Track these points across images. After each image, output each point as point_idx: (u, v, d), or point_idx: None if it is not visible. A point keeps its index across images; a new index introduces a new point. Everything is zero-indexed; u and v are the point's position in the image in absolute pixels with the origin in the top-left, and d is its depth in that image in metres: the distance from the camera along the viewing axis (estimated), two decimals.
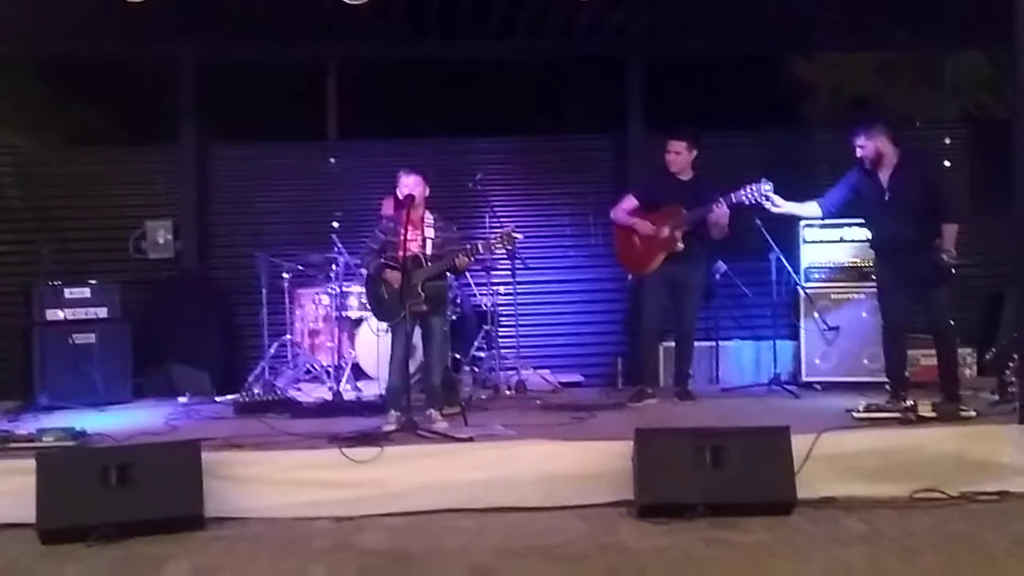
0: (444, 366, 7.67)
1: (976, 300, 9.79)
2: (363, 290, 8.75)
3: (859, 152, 7.28)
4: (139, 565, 5.08)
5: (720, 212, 7.68)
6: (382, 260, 7.19)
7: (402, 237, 7.01)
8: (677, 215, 7.79)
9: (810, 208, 7.65)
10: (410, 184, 7.24)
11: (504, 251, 7.73)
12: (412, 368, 7.47)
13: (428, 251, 7.25)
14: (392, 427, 6.74)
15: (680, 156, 7.93)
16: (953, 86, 11.52)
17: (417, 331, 7.26)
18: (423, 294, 7.05)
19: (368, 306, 7.78)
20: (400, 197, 7.30)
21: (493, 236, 7.41)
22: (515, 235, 7.29)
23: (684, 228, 7.77)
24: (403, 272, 6.97)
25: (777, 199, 7.57)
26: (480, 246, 7.23)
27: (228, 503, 5.83)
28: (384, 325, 8.33)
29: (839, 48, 11.66)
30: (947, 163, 10.18)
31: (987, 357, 8.73)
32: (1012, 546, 5.17)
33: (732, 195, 7.60)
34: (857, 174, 7.40)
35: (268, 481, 5.96)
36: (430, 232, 7.31)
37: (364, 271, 7.57)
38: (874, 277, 7.86)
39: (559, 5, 8.93)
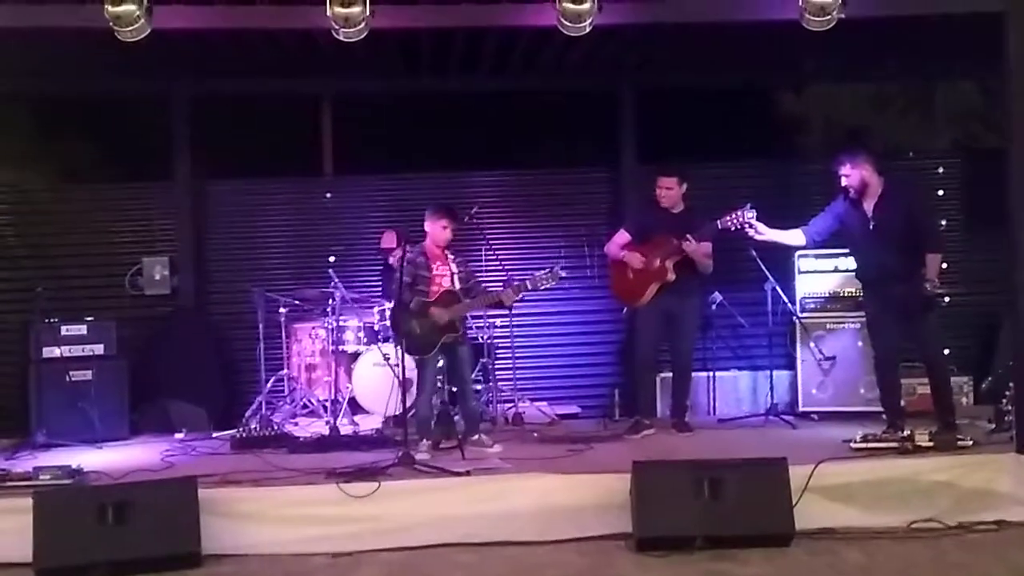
0: (473, 391, 7.91)
1: (972, 329, 9.81)
2: (360, 324, 8.82)
3: (844, 181, 7.30)
4: None
5: (693, 247, 7.71)
6: (422, 299, 7.35)
7: (433, 272, 7.49)
8: (667, 245, 7.82)
9: (794, 236, 7.66)
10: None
11: (548, 288, 7.80)
12: (409, 401, 7.50)
13: (457, 286, 7.51)
14: (426, 455, 6.94)
15: (672, 191, 7.98)
16: (944, 116, 11.58)
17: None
18: (459, 328, 7.41)
19: (393, 337, 7.90)
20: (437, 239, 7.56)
21: (540, 273, 7.51)
22: (561, 273, 7.46)
23: (675, 259, 7.80)
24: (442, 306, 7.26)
25: (760, 226, 7.59)
26: (528, 283, 7.40)
27: (225, 540, 5.82)
28: (380, 360, 8.42)
29: (829, 80, 11.72)
30: (940, 192, 10.24)
31: (983, 386, 8.76)
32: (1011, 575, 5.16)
33: (717, 222, 7.63)
34: (842, 203, 7.43)
35: (265, 517, 5.95)
36: (454, 267, 7.57)
37: (389, 302, 7.70)
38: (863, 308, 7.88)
39: (551, 40, 8.98)
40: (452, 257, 7.70)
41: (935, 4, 7.08)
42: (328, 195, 10.49)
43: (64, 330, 8.67)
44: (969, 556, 5.50)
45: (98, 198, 10.35)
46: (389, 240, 9.03)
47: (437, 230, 7.55)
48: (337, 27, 6.38)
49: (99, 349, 8.76)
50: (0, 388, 9.34)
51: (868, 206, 7.27)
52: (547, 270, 7.50)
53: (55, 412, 8.37)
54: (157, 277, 9.96)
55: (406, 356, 7.23)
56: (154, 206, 10.25)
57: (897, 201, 7.21)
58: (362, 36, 6.46)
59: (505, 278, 7.69)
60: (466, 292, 7.57)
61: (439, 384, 7.81)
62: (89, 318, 8.87)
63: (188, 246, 10.05)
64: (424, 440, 7.30)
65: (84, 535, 5.50)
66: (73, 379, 8.55)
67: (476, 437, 7.48)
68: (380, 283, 9.59)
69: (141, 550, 5.51)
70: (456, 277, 7.61)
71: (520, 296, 7.67)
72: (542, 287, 7.61)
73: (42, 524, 5.49)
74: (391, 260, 8.83)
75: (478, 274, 8.00)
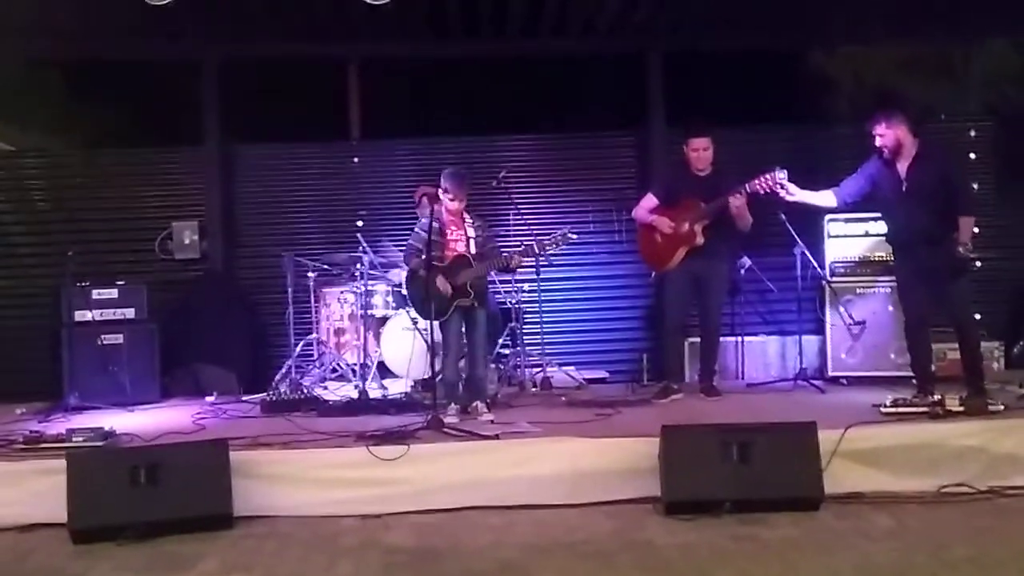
0: (488, 358, 7.85)
1: (1003, 294, 9.76)
2: (388, 289, 8.84)
3: (878, 141, 7.22)
4: (169, 563, 5.12)
5: (738, 203, 7.66)
6: (432, 261, 7.29)
7: (447, 237, 7.44)
8: (696, 209, 7.78)
9: (825, 197, 7.60)
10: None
11: (558, 250, 7.79)
12: (438, 366, 7.52)
13: (472, 250, 7.48)
14: (454, 419, 6.95)
15: (707, 152, 7.91)
16: (976, 79, 11.43)
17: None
18: (471, 292, 7.34)
19: (410, 303, 7.93)
20: (447, 204, 7.49)
21: (548, 237, 7.49)
22: (571, 236, 7.46)
23: (703, 222, 7.76)
24: (445, 272, 7.18)
25: (791, 187, 7.52)
26: (536, 246, 7.38)
27: (256, 502, 5.86)
28: (409, 324, 8.44)
29: (860, 42, 11.58)
30: (972, 156, 10.13)
31: (1015, 350, 8.71)
32: None
33: (747, 184, 7.58)
34: (875, 164, 7.35)
35: (295, 480, 5.99)
36: (471, 232, 7.50)
37: (407, 268, 7.69)
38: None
39: (580, 3, 8.93)
40: (471, 221, 7.65)
41: None
42: (356, 159, 10.51)
43: (95, 294, 8.77)
44: (999, 521, 5.48)
45: (128, 163, 10.40)
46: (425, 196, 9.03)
47: (443, 196, 7.52)
48: None
49: (130, 313, 8.85)
50: (32, 352, 9.42)
51: (901, 167, 7.19)
52: (557, 235, 7.48)
53: (87, 375, 8.47)
54: (187, 241, 10.02)
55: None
56: (183, 170, 10.30)
57: (931, 163, 7.13)
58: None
59: (532, 242, 7.65)
60: (481, 256, 7.54)
61: (464, 348, 7.82)
62: (120, 282, 8.96)
63: (217, 211, 10.11)
64: (452, 404, 7.32)
65: (117, 496, 5.55)
66: (104, 343, 8.66)
67: (474, 405, 7.41)
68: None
69: (174, 511, 5.56)
70: (473, 241, 7.57)
71: (527, 259, 7.64)
72: (550, 251, 7.59)
73: (76, 485, 5.55)
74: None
75: (506, 238, 7.95)
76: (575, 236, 7.61)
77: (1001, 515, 5.58)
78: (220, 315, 9.54)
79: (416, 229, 7.55)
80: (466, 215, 7.63)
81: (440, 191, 7.50)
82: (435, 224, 7.39)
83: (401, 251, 8.22)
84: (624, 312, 10.36)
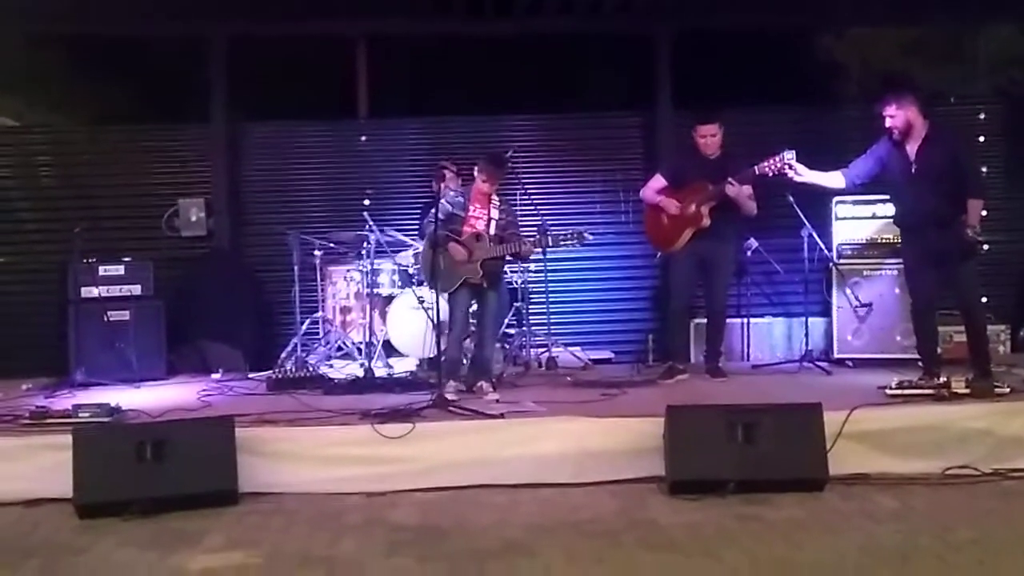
0: (495, 340, 7.88)
1: (1010, 277, 9.75)
2: (395, 267, 8.85)
3: (888, 122, 7.16)
4: (175, 539, 5.12)
5: (736, 190, 7.65)
6: (447, 233, 7.31)
7: (469, 213, 7.51)
8: (703, 191, 7.76)
9: (834, 178, 7.54)
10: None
11: (569, 247, 7.80)
12: (443, 344, 7.53)
13: (492, 231, 7.53)
14: (454, 396, 6.93)
15: (715, 138, 7.90)
16: (985, 62, 11.39)
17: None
18: (481, 270, 7.36)
19: (420, 273, 7.99)
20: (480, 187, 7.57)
21: (563, 232, 7.51)
22: (587, 236, 7.51)
23: (710, 204, 7.75)
24: (464, 245, 7.27)
25: (800, 168, 7.47)
26: (550, 239, 7.40)
27: (261, 478, 5.88)
28: (415, 303, 8.45)
29: (868, 23, 11.55)
30: (981, 139, 10.09)
31: (1021, 334, 8.70)
32: None
33: (756, 167, 7.56)
34: (885, 145, 7.29)
35: (301, 457, 6.00)
36: (495, 213, 7.52)
37: (424, 237, 7.72)
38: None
39: None
40: (498, 203, 7.69)
41: None
42: (363, 138, 10.50)
43: (102, 270, 8.79)
44: (1004, 503, 5.48)
45: (135, 140, 10.39)
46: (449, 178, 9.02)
47: (478, 181, 7.56)
48: None
49: (136, 290, 8.87)
50: (39, 327, 9.46)
51: (911, 149, 7.15)
52: (573, 232, 7.50)
53: (93, 351, 8.50)
54: (193, 219, 10.02)
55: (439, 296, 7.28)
56: (190, 148, 10.30)
57: (940, 145, 7.08)
58: None
59: (540, 223, 7.66)
60: (500, 240, 7.56)
61: (471, 327, 7.83)
62: (127, 259, 8.97)
63: (224, 188, 10.11)
64: (451, 382, 7.30)
65: (123, 472, 5.55)
66: (111, 319, 8.66)
67: (479, 384, 7.46)
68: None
69: (179, 487, 5.57)
70: (494, 223, 7.60)
71: (538, 250, 7.68)
72: (562, 246, 7.60)
73: (82, 461, 5.56)
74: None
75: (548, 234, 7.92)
76: (591, 237, 7.64)
77: (1006, 497, 5.58)
78: (226, 293, 9.55)
79: (442, 200, 7.50)
80: (495, 197, 7.66)
81: (476, 170, 7.55)
82: (461, 199, 7.42)
83: (406, 234, 8.22)
84: (630, 293, 10.36)
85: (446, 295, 7.45)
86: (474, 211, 7.53)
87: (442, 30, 10.54)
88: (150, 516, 5.44)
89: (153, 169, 10.24)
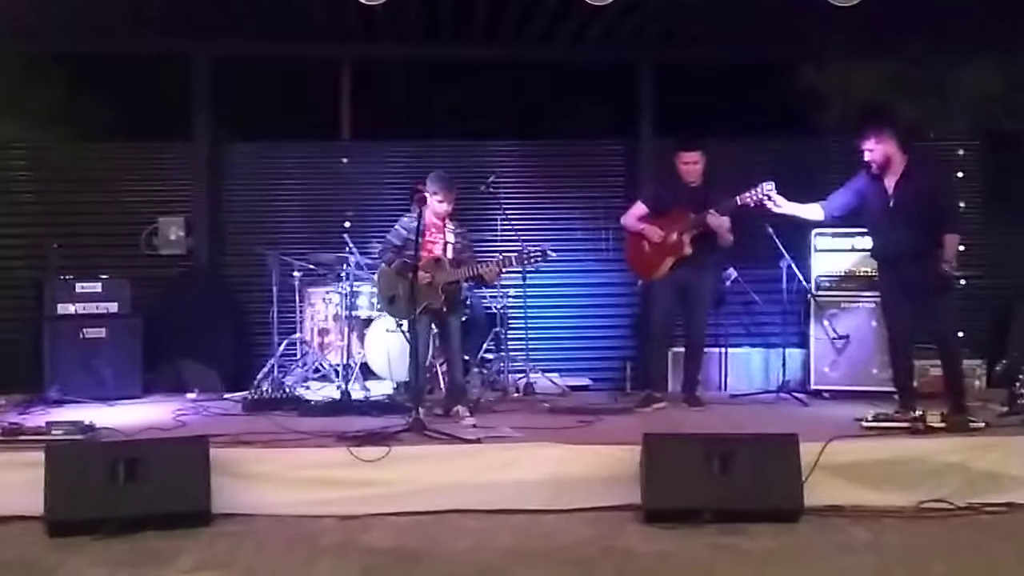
0: (462, 363, 7.86)
1: (986, 312, 9.78)
2: (375, 289, 8.81)
3: (867, 156, 7.24)
4: (146, 559, 5.09)
5: (718, 220, 7.69)
6: (404, 259, 7.27)
7: (425, 238, 7.38)
8: (685, 220, 7.81)
9: (813, 210, 7.62)
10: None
11: (534, 267, 7.81)
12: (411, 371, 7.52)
13: (449, 255, 7.51)
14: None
15: (697, 166, 7.95)
16: (965, 98, 11.48)
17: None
18: (442, 295, 7.33)
19: (378, 301, 7.90)
20: (434, 208, 7.51)
21: (527, 251, 7.51)
22: (551, 253, 7.48)
23: (692, 233, 7.79)
24: (414, 271, 7.08)
25: (779, 199, 7.54)
26: (513, 259, 7.39)
27: (235, 500, 5.85)
28: (393, 324, 8.43)
29: (851, 57, 11.63)
30: (960, 175, 10.15)
31: (997, 369, 8.73)
32: (1020, 558, 5.16)
33: (737, 198, 7.61)
34: (863, 178, 7.38)
35: (275, 479, 5.98)
36: (451, 237, 7.49)
37: (381, 264, 7.71)
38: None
39: (574, 10, 8.93)
40: (452, 227, 7.68)
41: None
42: (345, 160, 10.48)
43: (79, 287, 8.72)
44: (978, 537, 5.50)
45: (116, 157, 10.33)
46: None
47: (431, 200, 7.52)
48: None
49: (113, 307, 8.80)
50: (14, 344, 9.36)
51: (889, 183, 7.22)
52: (536, 250, 7.51)
53: (68, 369, 8.43)
54: (172, 237, 9.97)
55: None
56: (172, 166, 10.24)
57: (918, 179, 7.16)
58: (383, 0, 6.40)
59: (520, 248, 7.67)
60: (458, 263, 7.55)
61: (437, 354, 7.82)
62: (104, 276, 8.90)
63: (204, 207, 10.05)
64: (419, 409, 6.91)
65: (96, 490, 5.52)
66: (87, 336, 8.60)
67: (455, 409, 7.43)
68: None
69: (152, 506, 5.54)
70: (450, 247, 7.59)
71: (503, 272, 7.67)
72: (528, 266, 7.60)
73: (54, 478, 5.52)
74: None
75: (493, 243, 7.93)
76: (554, 254, 7.67)
77: (979, 532, 5.60)
78: (204, 312, 9.49)
79: (396, 227, 7.57)
80: (449, 221, 7.63)
81: (429, 194, 7.49)
82: (415, 224, 7.40)
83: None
84: (609, 320, 10.36)
85: (403, 323, 7.43)
86: (430, 236, 7.49)
87: (427, 55, 10.55)
88: (122, 535, 5.40)
89: (133, 187, 10.17)
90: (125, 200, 10.12)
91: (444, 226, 7.57)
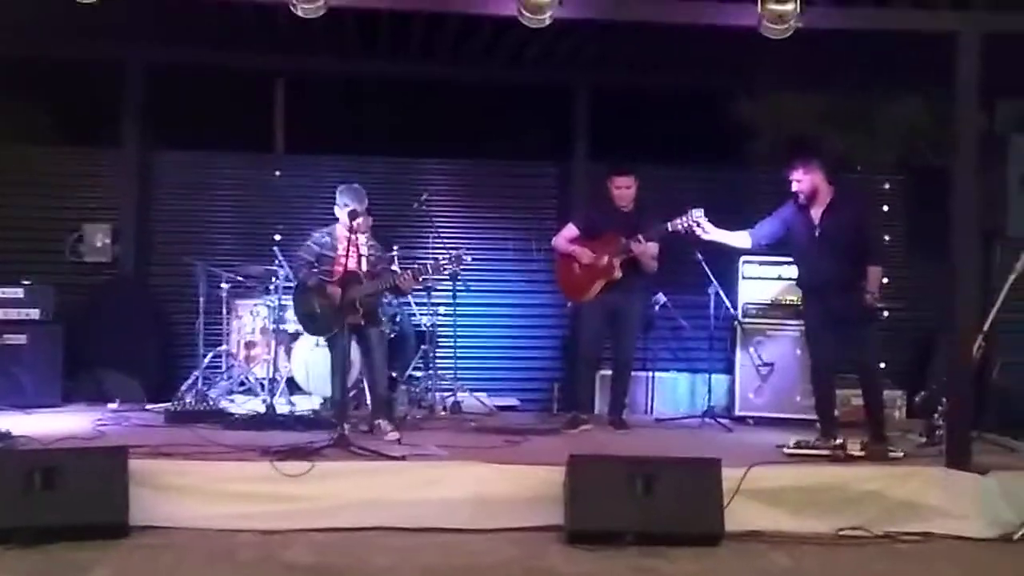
0: (385, 376, 7.78)
1: (908, 344, 9.92)
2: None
3: (795, 186, 7.37)
4: (60, 570, 5.02)
5: (642, 248, 7.77)
6: (319, 276, 7.23)
7: (338, 252, 7.33)
8: (616, 243, 7.86)
9: (740, 238, 7.72)
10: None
11: (451, 273, 7.80)
12: (337, 387, 7.48)
13: (363, 267, 7.46)
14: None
15: (629, 190, 8.03)
16: (892, 133, 11.71)
17: (354, 345, 7.34)
18: (360, 309, 7.24)
19: (296, 317, 7.89)
20: (344, 220, 7.41)
21: (443, 257, 7.49)
22: (465, 257, 7.44)
23: (622, 257, 7.85)
24: (343, 287, 7.04)
25: (707, 225, 7.64)
26: (429, 267, 7.38)
27: (154, 512, 5.77)
28: (321, 340, 8.36)
29: (783, 89, 11.83)
30: (885, 208, 10.33)
31: (916, 400, 8.88)
32: None
33: (667, 224, 7.69)
34: (790, 208, 7.50)
35: (196, 491, 5.90)
36: (364, 250, 7.47)
37: (296, 282, 7.66)
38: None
39: (510, 31, 8.96)
40: (365, 240, 7.62)
41: (890, 20, 7.13)
42: (277, 173, 10.39)
43: (0, 292, 8.55)
44: (894, 565, 5.59)
45: (43, 161, 10.14)
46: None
47: (342, 212, 7.47)
48: (296, 2, 6.30)
49: (35, 314, 8.65)
50: None
51: (815, 213, 7.34)
52: (450, 256, 7.52)
53: None
54: (98, 244, 9.81)
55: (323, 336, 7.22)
56: (100, 173, 10.09)
57: (844, 211, 7.29)
58: (320, 14, 6.37)
59: (423, 264, 7.66)
60: (372, 276, 7.52)
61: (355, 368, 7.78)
62: (26, 282, 8.75)
63: (132, 215, 9.91)
64: (344, 424, 6.85)
65: (10, 499, 5.42)
66: (6, 342, 8.45)
67: (378, 423, 7.38)
68: None
69: (68, 517, 5.44)
70: (365, 260, 7.54)
71: (419, 281, 7.67)
72: (444, 273, 7.62)
73: None
74: None
75: (425, 262, 7.89)
76: (469, 258, 7.68)
77: (896, 560, 5.70)
78: (128, 321, 9.35)
79: (308, 242, 7.56)
80: (361, 235, 7.59)
81: (340, 207, 7.46)
82: (327, 239, 7.37)
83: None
84: (538, 341, 10.37)
85: (324, 339, 7.39)
86: (343, 250, 7.41)
87: (363, 70, 10.51)
88: (36, 546, 5.31)
89: (60, 192, 10.00)
90: (51, 205, 9.95)
91: (356, 240, 7.49)
